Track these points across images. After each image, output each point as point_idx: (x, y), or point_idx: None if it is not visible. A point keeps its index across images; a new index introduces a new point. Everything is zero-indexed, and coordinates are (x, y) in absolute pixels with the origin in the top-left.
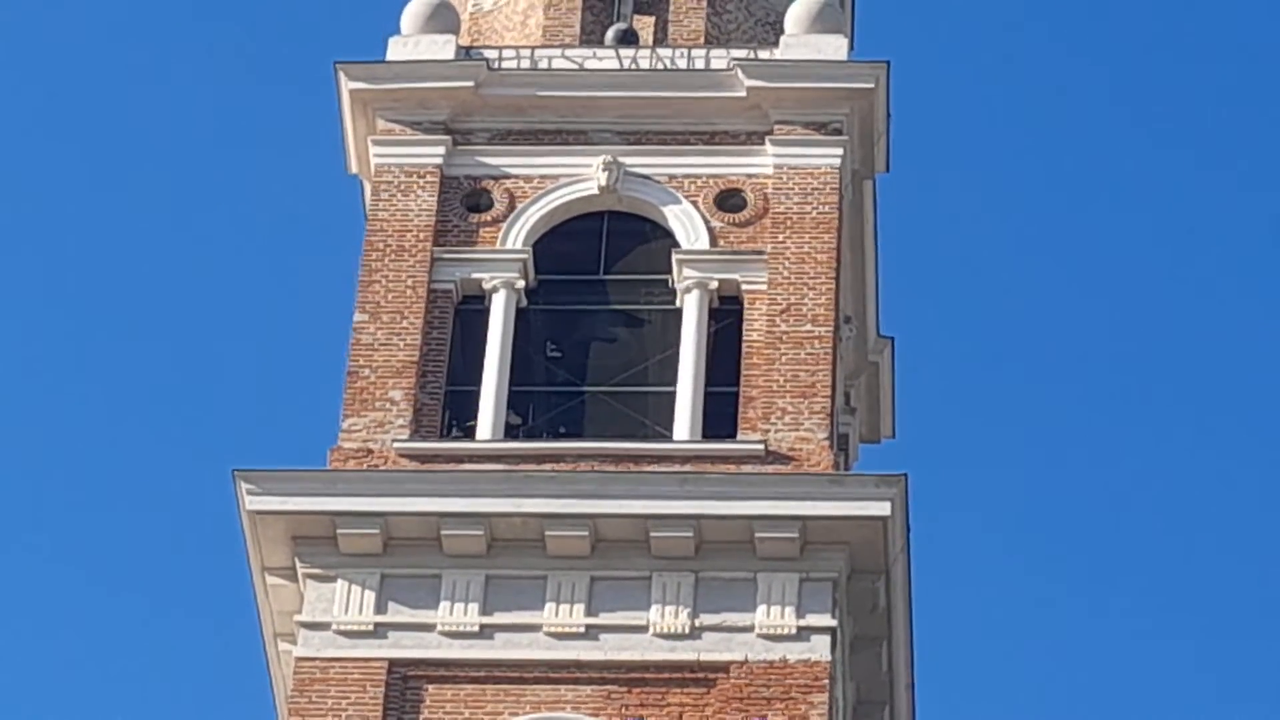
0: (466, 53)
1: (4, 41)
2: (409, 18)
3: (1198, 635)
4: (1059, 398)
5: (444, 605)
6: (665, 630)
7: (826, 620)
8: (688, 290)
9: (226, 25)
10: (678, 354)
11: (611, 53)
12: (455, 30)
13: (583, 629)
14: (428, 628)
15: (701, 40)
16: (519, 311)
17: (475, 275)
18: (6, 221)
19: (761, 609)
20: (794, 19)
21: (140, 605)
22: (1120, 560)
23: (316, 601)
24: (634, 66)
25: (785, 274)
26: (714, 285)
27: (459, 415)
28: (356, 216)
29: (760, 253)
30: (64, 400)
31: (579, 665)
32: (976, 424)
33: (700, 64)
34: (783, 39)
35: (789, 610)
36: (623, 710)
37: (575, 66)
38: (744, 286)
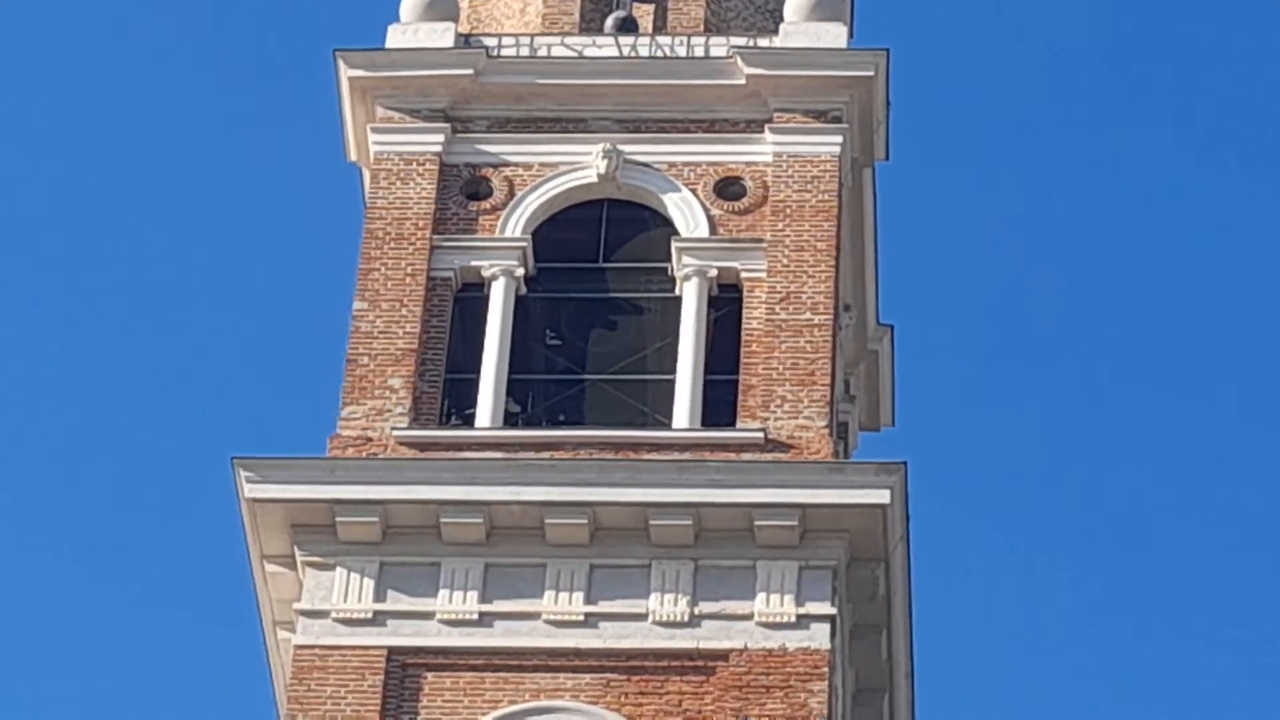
0: (466, 40)
1: (3, 34)
2: (408, 5)
3: (1198, 627)
4: (1058, 386)
5: (443, 593)
6: (664, 618)
7: (826, 608)
8: (687, 278)
9: (226, 13)
10: (677, 342)
11: (611, 40)
12: (454, 18)
13: (582, 617)
14: (427, 616)
15: (701, 28)
16: (518, 299)
17: (474, 263)
18: (7, 215)
19: (761, 597)
20: (794, 7)
21: (139, 594)
22: (1120, 548)
23: (315, 589)
24: (633, 54)
25: (785, 262)
26: (713, 273)
27: (458, 403)
28: (356, 204)
29: (760, 241)
30: (63, 390)
31: (578, 653)
32: (976, 412)
33: (700, 52)
34: (782, 27)
35: (788, 598)
36: (621, 698)
37: (574, 54)
38: (743, 274)
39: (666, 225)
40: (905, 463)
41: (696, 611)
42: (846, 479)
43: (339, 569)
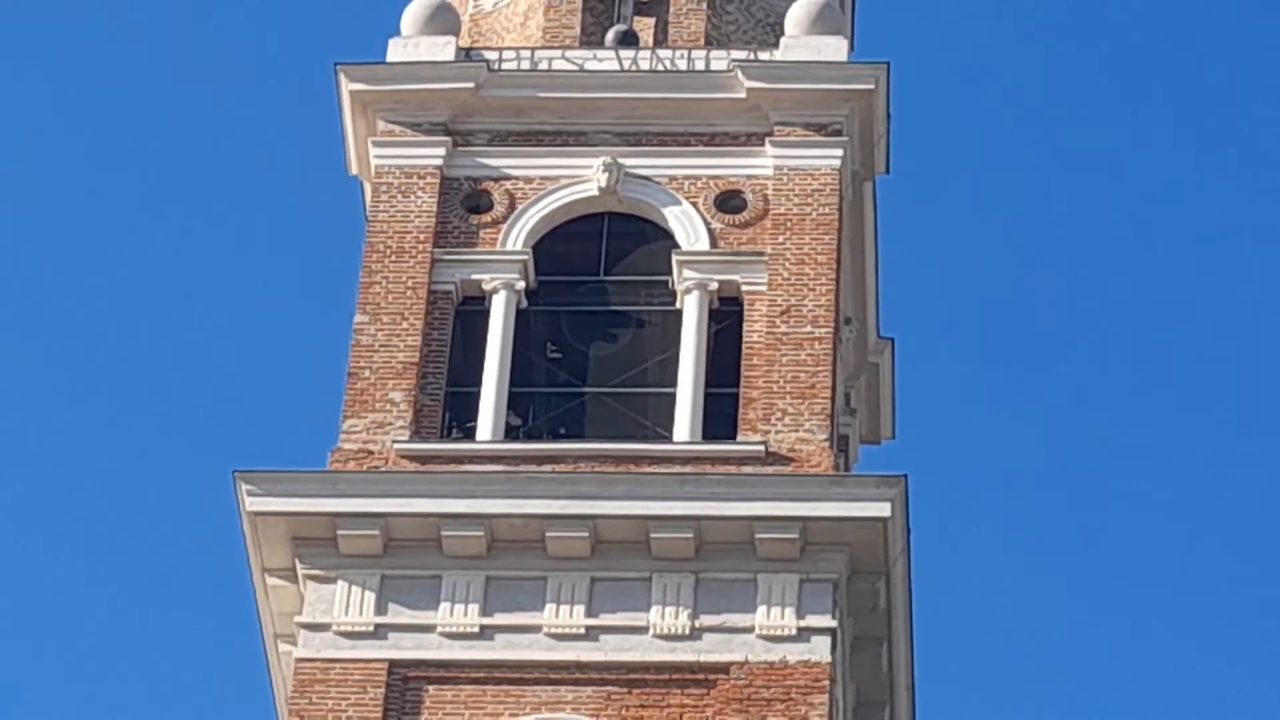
0: (467, 54)
1: (4, 40)
2: (409, 19)
3: (1198, 636)
4: (1059, 398)
5: (444, 606)
6: (665, 631)
7: (827, 621)
8: (688, 291)
9: (227, 26)
10: (678, 355)
11: (611, 54)
12: (455, 32)
13: (583, 630)
14: (428, 629)
15: (701, 41)
16: (519, 313)
17: (475, 276)
18: (7, 220)
19: (761, 610)
20: (794, 20)
21: (141, 606)
22: (1120, 560)
23: (317, 602)
24: (634, 68)
25: (785, 275)
26: (714, 286)
27: (459, 416)
28: (357, 218)
29: (760, 254)
30: (65, 401)
31: (579, 666)
32: (976, 425)
33: (700, 65)
34: (783, 40)
35: (789, 611)
36: (622, 711)
37: (575, 68)
38: (744, 287)
39: (667, 238)
40: (906, 475)
41: (697, 624)
42: (847, 492)
43: (340, 582)
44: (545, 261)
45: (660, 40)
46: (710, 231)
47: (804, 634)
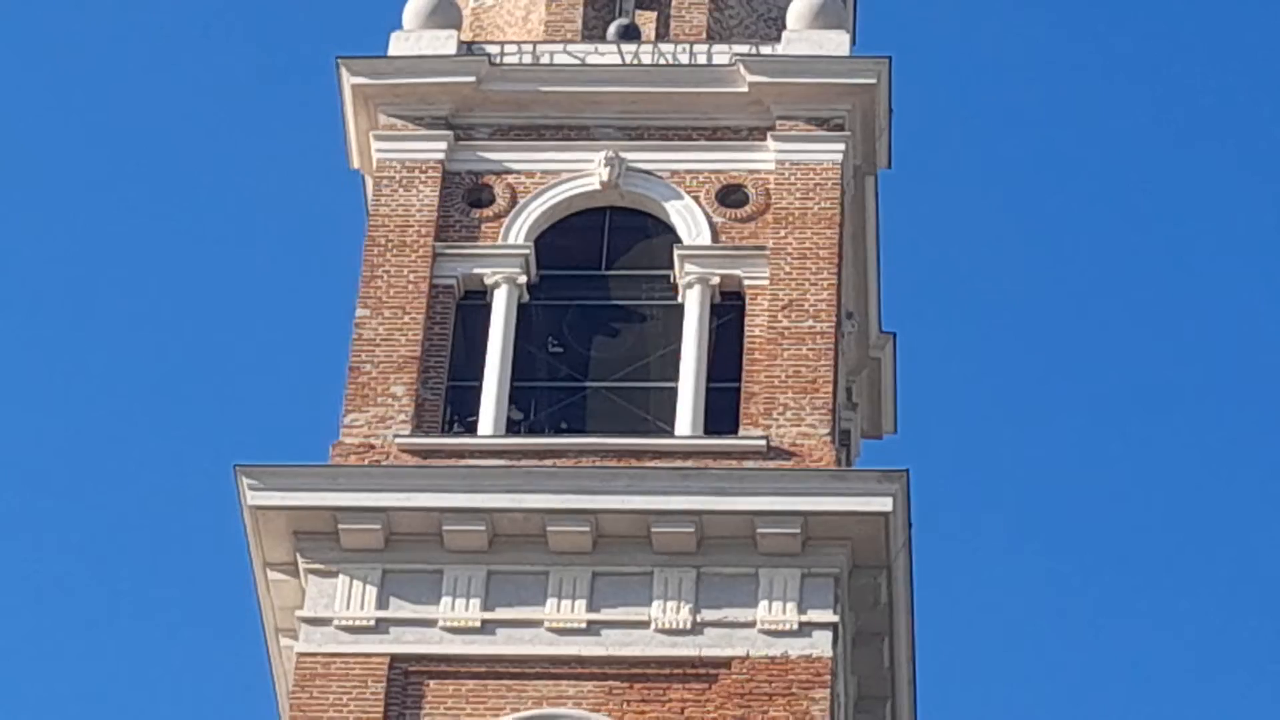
0: (468, 48)
1: (4, 35)
2: (411, 13)
3: (1198, 630)
4: (1060, 393)
5: (445, 601)
6: (667, 626)
7: (828, 616)
8: (689, 286)
9: (229, 20)
10: (679, 349)
11: (613, 48)
12: (457, 25)
13: (584, 624)
14: (429, 623)
15: (703, 35)
16: (521, 307)
17: (477, 270)
18: (8, 217)
19: (763, 604)
20: (796, 14)
21: (142, 601)
22: (1121, 556)
23: (318, 597)
24: (636, 62)
25: (787, 269)
26: (716, 281)
27: (461, 410)
28: (358, 212)
29: (762, 248)
30: (65, 395)
31: (580, 661)
32: (978, 419)
33: (702, 59)
34: (785, 34)
35: (790, 606)
36: (624, 706)
37: (577, 62)
38: (746, 282)
39: (669, 233)
40: (907, 470)
41: (699, 619)
42: (849, 486)
43: (341, 576)
44: (547, 256)
45: (662, 34)
46: (712, 226)
47: (805, 629)
